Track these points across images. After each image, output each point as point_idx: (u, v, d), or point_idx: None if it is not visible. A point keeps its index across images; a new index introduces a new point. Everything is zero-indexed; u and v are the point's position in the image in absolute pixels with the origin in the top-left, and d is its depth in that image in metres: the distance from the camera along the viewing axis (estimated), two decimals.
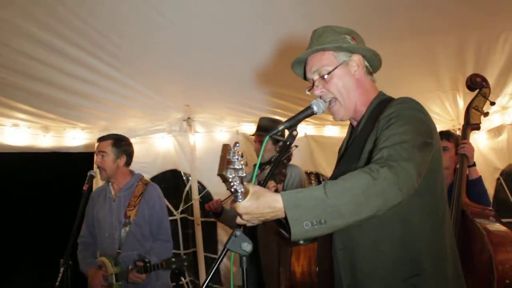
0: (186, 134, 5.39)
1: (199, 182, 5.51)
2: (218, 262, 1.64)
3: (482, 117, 3.38)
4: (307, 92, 2.00)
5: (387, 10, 3.55)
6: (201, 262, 5.37)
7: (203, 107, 5.28)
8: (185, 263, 3.23)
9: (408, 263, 1.69)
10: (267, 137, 1.86)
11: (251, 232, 3.73)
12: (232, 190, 1.46)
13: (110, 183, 3.67)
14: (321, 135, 5.82)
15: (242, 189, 1.48)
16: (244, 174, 1.49)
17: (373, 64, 2.00)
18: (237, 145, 1.48)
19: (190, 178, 5.54)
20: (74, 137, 5.18)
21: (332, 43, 1.90)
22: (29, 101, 4.45)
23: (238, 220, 1.58)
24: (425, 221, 1.71)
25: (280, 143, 3.71)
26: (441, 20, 3.67)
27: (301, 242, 1.82)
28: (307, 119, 5.32)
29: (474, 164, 3.34)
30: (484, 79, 3.39)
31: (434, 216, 1.74)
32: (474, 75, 3.41)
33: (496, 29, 3.86)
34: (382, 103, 1.84)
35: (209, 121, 5.50)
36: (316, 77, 1.94)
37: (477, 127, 3.39)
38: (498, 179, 5.54)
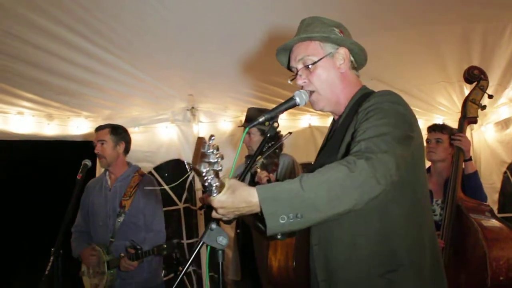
0: (189, 123, 5.37)
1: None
2: (194, 254, 1.65)
3: (479, 110, 3.32)
4: (289, 82, 1.96)
5: (392, 0, 3.50)
6: (204, 252, 5.34)
7: (207, 96, 5.26)
8: (176, 249, 3.26)
9: (385, 257, 1.65)
10: (246, 129, 1.85)
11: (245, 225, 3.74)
12: (206, 184, 1.42)
13: (107, 173, 3.72)
14: (325, 126, 5.74)
15: (217, 183, 1.44)
16: (220, 168, 1.45)
17: (359, 59, 1.95)
18: (212, 138, 1.45)
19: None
20: (78, 125, 5.18)
21: (318, 33, 1.86)
22: (34, 90, 4.45)
23: (213, 214, 1.55)
24: (403, 214, 1.68)
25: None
26: (446, 11, 3.62)
27: (278, 236, 1.80)
28: (311, 109, 5.29)
29: (470, 158, 3.30)
30: (482, 72, 3.33)
31: (413, 209, 1.71)
32: (472, 67, 3.36)
33: (502, 22, 3.80)
34: (363, 97, 1.80)
35: (213, 111, 5.48)
36: (300, 66, 1.90)
37: (474, 120, 3.34)
38: (505, 172, 5.51)
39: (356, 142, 1.59)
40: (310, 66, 1.86)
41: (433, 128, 3.58)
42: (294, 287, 3.11)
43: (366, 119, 1.64)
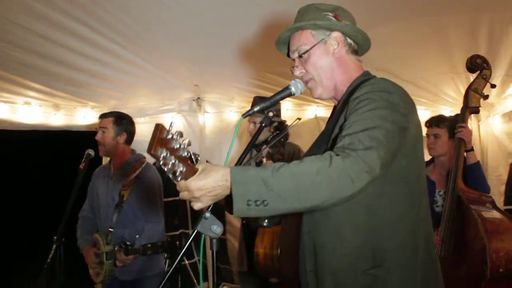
0: (195, 114, 5.37)
1: (208, 162, 5.49)
2: (188, 242, 1.66)
3: (481, 100, 3.26)
4: (292, 72, 1.93)
5: None
6: (209, 242, 5.37)
7: (213, 87, 5.25)
8: (166, 245, 3.37)
9: (370, 252, 1.62)
10: (242, 118, 1.80)
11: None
12: (166, 169, 1.39)
13: (111, 161, 3.73)
14: None
15: (181, 168, 1.41)
16: (186, 154, 1.43)
17: (358, 41, 1.89)
18: (172, 124, 1.43)
19: (199, 158, 5.52)
20: (85, 115, 5.21)
21: (309, 21, 1.83)
22: (41, 80, 4.48)
23: (192, 204, 1.52)
24: (393, 208, 1.64)
25: (275, 124, 3.71)
26: (453, 1, 3.57)
27: (264, 224, 1.79)
28: (317, 100, 5.28)
29: (472, 149, 3.26)
30: (485, 61, 3.27)
31: (404, 203, 1.66)
32: (474, 56, 3.30)
33: (509, 12, 3.74)
34: (362, 83, 1.73)
35: (218, 101, 5.47)
36: (295, 56, 1.88)
37: (476, 110, 3.28)
38: None
39: (341, 136, 1.54)
40: (303, 56, 1.84)
41: (429, 123, 3.54)
42: (278, 275, 3.12)
43: (355, 110, 1.59)
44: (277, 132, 3.59)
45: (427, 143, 3.48)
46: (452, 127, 3.36)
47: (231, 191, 1.44)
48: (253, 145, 3.88)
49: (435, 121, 3.49)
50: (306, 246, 1.78)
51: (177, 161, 1.40)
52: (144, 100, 5.27)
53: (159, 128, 1.40)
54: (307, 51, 1.83)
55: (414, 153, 1.68)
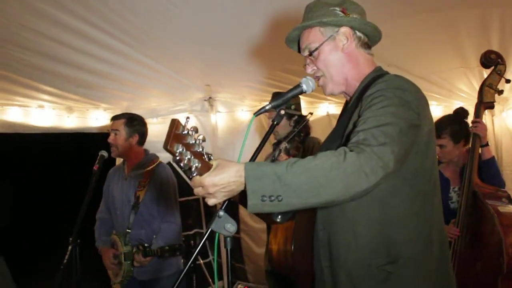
0: (207, 114, 5.39)
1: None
2: (202, 241, 1.63)
3: (496, 95, 3.24)
4: (304, 70, 1.93)
5: None
6: (223, 241, 5.39)
7: (224, 86, 5.26)
8: (184, 248, 3.39)
9: (384, 248, 1.62)
10: (254, 117, 1.81)
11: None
12: (182, 165, 1.39)
13: (124, 162, 3.75)
14: None
15: (197, 164, 1.41)
16: (201, 149, 1.44)
17: (367, 33, 1.88)
18: (188, 120, 1.43)
19: (212, 157, 5.53)
20: (97, 117, 5.24)
21: (316, 18, 1.82)
22: (53, 83, 4.52)
23: (206, 200, 1.53)
24: (407, 205, 1.64)
25: (295, 118, 3.70)
26: None
27: (278, 220, 1.79)
28: (329, 97, 5.26)
29: (487, 144, 3.23)
30: (500, 56, 3.24)
31: (418, 200, 1.66)
32: (488, 51, 3.27)
33: None
34: (374, 79, 1.74)
35: (230, 101, 5.48)
36: (306, 54, 1.88)
37: (491, 105, 3.27)
38: None
39: (355, 132, 1.55)
40: (313, 53, 1.84)
41: None
42: (292, 271, 3.12)
43: (368, 107, 1.59)
44: (296, 127, 3.60)
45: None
46: (454, 132, 3.32)
47: (245, 187, 1.44)
48: (276, 143, 3.90)
49: (437, 132, 3.44)
50: (321, 242, 1.79)
51: (192, 157, 1.40)
52: (156, 101, 5.29)
53: (175, 123, 1.41)
54: (316, 48, 1.83)
55: (427, 151, 1.68)
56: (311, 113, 3.42)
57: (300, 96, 4.18)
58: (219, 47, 4.21)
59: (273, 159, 3.51)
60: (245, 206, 1.45)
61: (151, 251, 3.38)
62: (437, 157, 3.44)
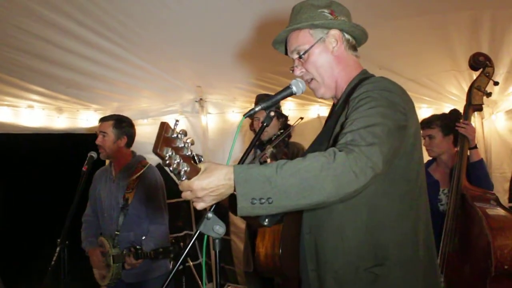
0: (198, 115, 5.39)
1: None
2: (191, 243, 1.62)
3: (484, 97, 3.26)
4: (290, 72, 1.92)
5: None
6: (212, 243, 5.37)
7: (215, 88, 5.26)
8: (175, 250, 3.32)
9: (372, 250, 1.62)
10: (243, 118, 1.80)
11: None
12: (171, 169, 1.37)
13: (112, 164, 3.73)
14: None
15: (186, 168, 1.40)
16: (189, 153, 1.43)
17: (356, 35, 1.88)
18: (177, 123, 1.42)
19: (202, 159, 5.52)
20: (88, 118, 5.21)
21: (306, 20, 1.81)
22: (43, 83, 4.48)
23: (195, 204, 1.51)
24: (393, 207, 1.64)
25: (282, 119, 3.69)
26: None
27: (265, 223, 1.78)
28: (320, 100, 5.26)
29: (475, 147, 3.26)
30: (488, 58, 3.27)
31: (404, 202, 1.66)
32: (477, 53, 3.29)
33: (510, 9, 3.73)
34: (362, 81, 1.73)
35: (221, 102, 5.48)
36: (295, 56, 1.87)
37: (479, 107, 3.29)
38: None
39: (343, 133, 1.54)
40: (303, 56, 1.83)
41: (422, 125, 3.50)
42: (280, 274, 3.11)
43: (355, 109, 1.59)
44: (281, 131, 3.60)
45: (423, 145, 3.47)
46: (445, 124, 3.38)
47: (234, 190, 1.43)
48: (258, 143, 3.90)
49: (426, 123, 3.48)
50: (307, 245, 1.78)
51: (181, 160, 1.39)
52: (147, 101, 5.27)
53: (164, 126, 1.39)
54: (306, 51, 1.82)
55: (413, 152, 1.69)
56: (302, 118, 3.42)
57: (291, 98, 4.19)
58: (210, 49, 4.20)
59: (261, 162, 3.50)
60: (234, 210, 1.45)
61: (144, 253, 3.35)
62: (426, 150, 3.47)
